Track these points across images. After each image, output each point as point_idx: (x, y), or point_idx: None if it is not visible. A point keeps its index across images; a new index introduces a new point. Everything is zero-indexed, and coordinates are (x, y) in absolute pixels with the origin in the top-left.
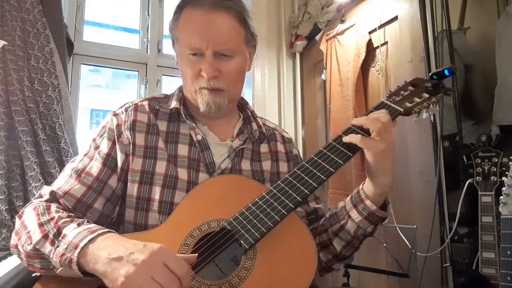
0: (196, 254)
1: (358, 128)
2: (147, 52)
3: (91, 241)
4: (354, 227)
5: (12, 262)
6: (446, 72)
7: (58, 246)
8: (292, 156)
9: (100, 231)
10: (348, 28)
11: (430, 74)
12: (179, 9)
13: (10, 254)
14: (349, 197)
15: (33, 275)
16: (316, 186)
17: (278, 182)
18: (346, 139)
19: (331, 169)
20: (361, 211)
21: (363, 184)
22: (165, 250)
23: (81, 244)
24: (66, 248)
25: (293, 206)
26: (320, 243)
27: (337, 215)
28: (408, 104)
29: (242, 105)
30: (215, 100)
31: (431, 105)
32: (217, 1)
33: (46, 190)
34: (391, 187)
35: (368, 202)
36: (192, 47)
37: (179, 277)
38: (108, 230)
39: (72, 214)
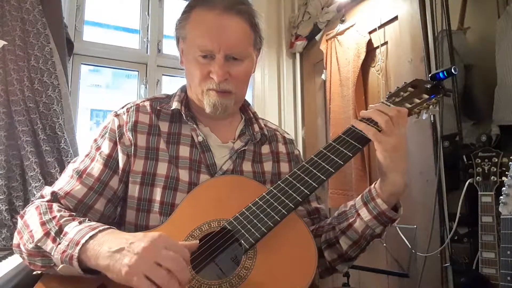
0: (197, 241)
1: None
2: (147, 52)
3: (91, 237)
4: (362, 226)
5: (12, 262)
6: (445, 73)
7: (59, 244)
8: (293, 156)
9: (100, 228)
10: (348, 28)
11: (429, 75)
12: (189, 9)
13: (10, 254)
14: (360, 196)
15: (34, 273)
16: (316, 186)
17: (279, 182)
18: (360, 126)
19: (331, 169)
20: (371, 209)
21: (375, 183)
22: (165, 237)
23: (82, 241)
24: (67, 245)
25: (293, 206)
26: (326, 241)
27: (346, 213)
28: (408, 105)
29: (244, 106)
30: (222, 102)
31: (431, 106)
32: (230, 4)
33: (47, 191)
34: (404, 187)
35: (379, 201)
36: (203, 49)
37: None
38: (108, 226)
39: (74, 214)
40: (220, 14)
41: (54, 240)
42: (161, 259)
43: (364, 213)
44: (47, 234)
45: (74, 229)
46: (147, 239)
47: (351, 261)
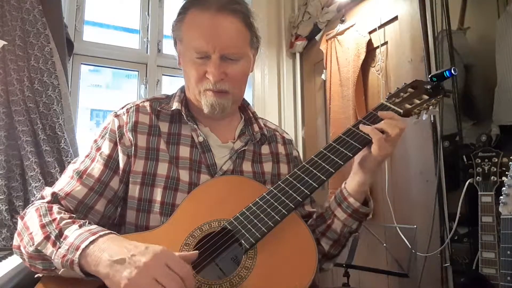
0: (197, 252)
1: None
2: (147, 52)
3: (92, 242)
4: (340, 226)
5: (12, 262)
6: (446, 73)
7: (59, 248)
8: (292, 157)
9: (101, 233)
10: (348, 28)
11: (429, 76)
12: (184, 10)
13: (10, 254)
14: (332, 197)
15: (36, 276)
16: (317, 186)
17: (279, 182)
18: (366, 129)
19: (331, 169)
20: (345, 209)
21: (345, 183)
22: (167, 252)
23: (82, 246)
24: (68, 249)
25: (293, 206)
26: None
27: (323, 215)
28: (408, 106)
29: (243, 106)
30: (220, 102)
31: (431, 107)
32: (224, 4)
33: (47, 192)
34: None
35: (351, 200)
36: (199, 50)
37: (182, 278)
38: (109, 231)
39: (74, 215)
40: (214, 14)
41: (54, 244)
42: (161, 277)
43: (339, 213)
44: (47, 237)
45: (74, 233)
46: (149, 254)
47: (335, 258)
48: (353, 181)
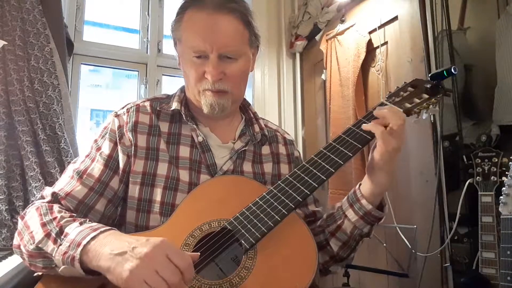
0: (199, 253)
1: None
2: (147, 52)
3: (93, 238)
4: (350, 227)
5: (12, 262)
6: (446, 72)
7: (60, 245)
8: (293, 158)
9: (102, 229)
10: (348, 28)
11: (429, 75)
12: (182, 10)
13: (10, 254)
14: (345, 197)
15: (35, 274)
16: (317, 186)
17: (279, 182)
18: (367, 127)
19: (331, 169)
20: (357, 210)
21: (360, 184)
22: (168, 243)
23: (84, 242)
24: (69, 246)
25: (293, 206)
26: (317, 243)
27: (334, 215)
28: (408, 105)
29: (244, 106)
30: (219, 102)
31: (431, 106)
32: (221, 3)
33: (47, 192)
34: (388, 188)
35: (364, 201)
36: (197, 50)
37: (181, 270)
38: (110, 228)
39: (75, 214)
40: (211, 13)
41: (55, 241)
42: (160, 269)
43: (351, 214)
44: (47, 235)
45: (75, 230)
46: (150, 245)
47: (343, 261)
48: (367, 183)
